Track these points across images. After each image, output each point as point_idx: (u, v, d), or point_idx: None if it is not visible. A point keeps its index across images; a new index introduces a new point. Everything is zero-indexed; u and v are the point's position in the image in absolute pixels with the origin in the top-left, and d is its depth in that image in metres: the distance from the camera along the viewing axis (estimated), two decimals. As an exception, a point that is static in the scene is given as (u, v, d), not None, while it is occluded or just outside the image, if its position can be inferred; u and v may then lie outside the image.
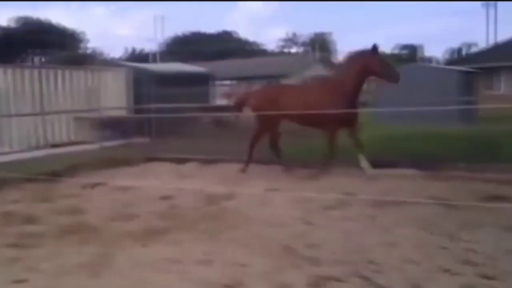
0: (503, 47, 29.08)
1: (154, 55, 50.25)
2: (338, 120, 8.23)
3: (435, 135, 11.10)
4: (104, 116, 14.08)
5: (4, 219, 6.12)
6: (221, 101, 24.63)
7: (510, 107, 7.97)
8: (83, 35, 68.42)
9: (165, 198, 7.12)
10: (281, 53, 67.27)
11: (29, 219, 6.07)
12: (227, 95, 25.76)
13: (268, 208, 6.42)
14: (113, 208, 6.60)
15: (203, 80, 19.91)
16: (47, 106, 14.25)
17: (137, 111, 15.44)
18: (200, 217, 5.98)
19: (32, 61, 61.81)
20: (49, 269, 4.39)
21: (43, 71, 14.63)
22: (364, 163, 8.20)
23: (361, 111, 7.94)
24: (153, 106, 14.12)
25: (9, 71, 13.56)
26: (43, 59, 62.48)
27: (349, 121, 8.35)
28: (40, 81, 14.24)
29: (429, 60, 63.52)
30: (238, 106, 9.44)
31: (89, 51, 67.28)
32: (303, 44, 72.33)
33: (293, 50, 72.83)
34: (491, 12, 44.04)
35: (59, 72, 15.04)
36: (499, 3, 42.74)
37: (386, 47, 75.08)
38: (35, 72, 14.30)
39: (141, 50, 67.40)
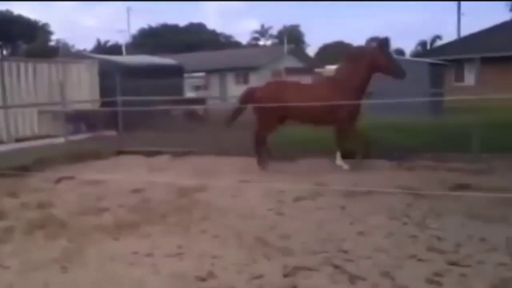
0: (470, 39, 29.68)
1: (122, 47, 49.48)
2: (349, 116, 8.17)
3: (404, 126, 11.29)
4: (71, 110, 13.82)
5: (-31, 215, 5.97)
6: (192, 94, 24.51)
7: (476, 99, 8.15)
8: (48, 26, 66.88)
9: (135, 191, 7.04)
10: (252, 46, 67.21)
11: (-4, 215, 5.93)
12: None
13: (240, 200, 6.42)
14: (82, 202, 6.50)
15: (173, 72, 19.73)
16: (10, 100, 13.91)
17: (105, 104, 15.20)
18: (172, 210, 5.95)
19: (-5, 53, 60.15)
20: (17, 265, 4.30)
21: (6, 64, 14.26)
22: (339, 160, 8.25)
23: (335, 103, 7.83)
24: (120, 99, 13.92)
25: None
26: (5, 52, 60.82)
27: (355, 117, 8.32)
28: (2, 74, 13.87)
29: (401, 52, 64.43)
30: (242, 103, 9.01)
31: (54, 43, 65.80)
32: (274, 36, 72.38)
33: (264, 42, 72.84)
34: (470, 4, 44.71)
35: (23, 64, 14.68)
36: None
37: (357, 40, 75.98)
38: (-3, 64, 13.93)
39: (109, 42, 66.33)
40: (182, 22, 72.69)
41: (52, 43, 65.73)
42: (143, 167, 9.09)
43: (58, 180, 7.96)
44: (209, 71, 33.89)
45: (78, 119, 14.19)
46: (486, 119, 9.35)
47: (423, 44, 67.05)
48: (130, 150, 10.66)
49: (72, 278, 4.02)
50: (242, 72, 38.60)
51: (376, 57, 8.08)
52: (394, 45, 71.53)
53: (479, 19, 79.31)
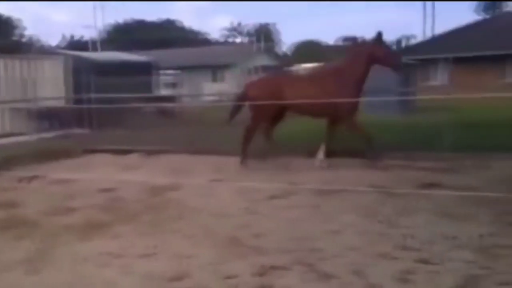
0: (440, 39, 30.25)
1: (94, 43, 48.69)
2: (355, 108, 8.20)
3: (376, 125, 11.41)
4: (41, 107, 13.54)
5: None
6: (166, 91, 24.29)
7: (448, 98, 8.30)
8: (19, 22, 65.29)
9: (106, 190, 6.95)
10: (225, 43, 66.99)
11: (-39, 215, 5.77)
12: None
13: (213, 198, 6.40)
14: (52, 201, 6.38)
15: (145, 69, 19.53)
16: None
17: (76, 101, 14.94)
18: (144, 209, 5.89)
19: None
20: (-17, 267, 4.19)
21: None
22: (321, 154, 8.28)
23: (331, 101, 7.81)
24: (93, 96, 13.72)
25: None
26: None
27: (354, 111, 8.32)
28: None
29: None
30: (239, 99, 8.89)
31: (25, 39, 64.25)
32: (248, 34, 72.29)
33: (238, 40, 72.70)
34: (429, 6, 45.61)
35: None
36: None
37: (329, 38, 76.51)
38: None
39: (80, 38, 65.14)
40: (155, 18, 71.69)
41: (24, 39, 64.17)
42: (115, 165, 8.97)
43: (27, 179, 7.79)
44: (183, 68, 33.64)
45: (50, 117, 13.91)
46: (457, 118, 9.54)
47: (391, 43, 68.03)
48: (102, 148, 10.50)
49: (41, 279, 3.94)
50: (216, 69, 38.46)
51: (375, 49, 8.12)
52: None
53: (451, 19, 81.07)
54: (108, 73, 15.55)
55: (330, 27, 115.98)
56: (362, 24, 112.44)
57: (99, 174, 7.95)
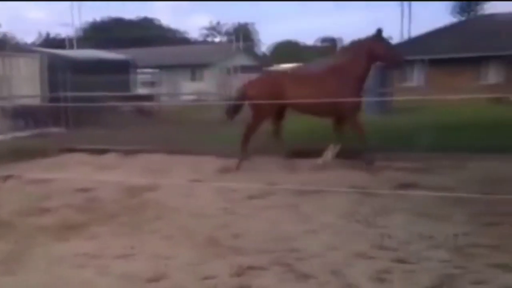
0: (416, 41, 30.65)
1: (71, 40, 47.97)
2: (357, 107, 8.17)
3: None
4: (16, 105, 13.31)
5: None
6: (144, 90, 24.11)
7: (424, 99, 8.41)
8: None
9: (83, 190, 6.86)
10: (204, 42, 66.77)
11: None
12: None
13: (192, 199, 6.37)
14: (27, 202, 6.27)
15: (123, 67, 19.35)
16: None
17: (53, 99, 14.73)
18: (121, 210, 5.84)
19: None
20: (-44, 269, 4.10)
21: None
22: (329, 155, 8.19)
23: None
24: (69, 94, 13.54)
25: None
26: None
27: (357, 110, 8.29)
28: None
29: None
30: (239, 98, 8.68)
31: (0, 36, 62.92)
32: (227, 33, 72.16)
33: (217, 39, 72.51)
34: (406, 7, 46.16)
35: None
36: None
37: (307, 39, 76.89)
38: None
39: (57, 35, 64.14)
40: (133, 16, 70.81)
41: (-3, 36, 62.79)
42: (92, 165, 8.86)
43: (2, 179, 7.64)
44: (161, 67, 33.41)
45: (25, 115, 13.68)
46: (433, 119, 9.68)
47: None
48: (79, 147, 10.36)
49: (17, 281, 3.88)
50: (194, 69, 38.32)
51: (376, 46, 8.10)
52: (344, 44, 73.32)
53: (427, 21, 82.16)
54: (84, 71, 15.37)
55: (308, 28, 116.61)
56: (339, 24, 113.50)
57: (75, 174, 7.84)
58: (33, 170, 8.32)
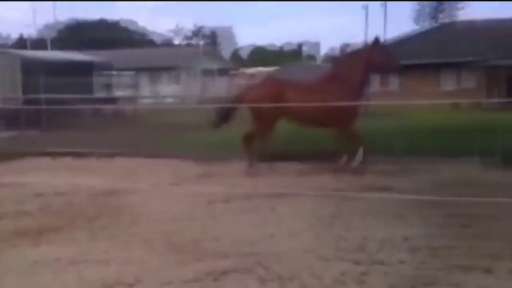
0: (393, 46, 31.06)
1: (43, 42, 47.08)
2: (355, 115, 8.19)
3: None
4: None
5: None
6: (111, 92, 23.80)
7: (399, 104, 8.55)
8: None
9: (58, 194, 6.79)
10: (175, 45, 66.34)
11: None
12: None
13: (169, 203, 6.35)
14: (1, 206, 6.19)
15: (88, 69, 19.07)
16: None
17: (26, 101, 14.47)
18: (98, 214, 5.80)
19: None
20: None
21: None
22: (359, 157, 8.12)
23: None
24: (43, 96, 13.34)
25: None
26: None
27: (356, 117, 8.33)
28: None
29: (314, 58, 66.59)
30: (237, 102, 8.58)
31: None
32: (198, 36, 71.90)
33: (189, 42, 72.10)
34: (377, 12, 46.76)
35: None
36: (386, 5, 45.41)
37: (277, 42, 77.35)
38: None
39: (24, 36, 62.86)
40: (98, 17, 69.83)
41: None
42: (67, 169, 8.77)
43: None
44: (130, 70, 33.07)
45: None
46: (406, 123, 9.85)
47: (337, 49, 69.77)
48: (54, 150, 10.22)
49: (-10, 287, 3.83)
50: (165, 71, 38.01)
51: (374, 54, 8.17)
52: (315, 50, 74.24)
53: (393, 27, 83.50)
54: (53, 72, 15.14)
55: (279, 32, 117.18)
56: (310, 29, 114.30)
57: (50, 178, 7.75)
58: (7, 173, 8.20)
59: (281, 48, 74.29)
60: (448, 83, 26.74)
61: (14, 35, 67.24)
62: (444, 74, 27.05)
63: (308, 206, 6.01)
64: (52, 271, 4.11)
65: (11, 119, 13.56)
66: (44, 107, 12.11)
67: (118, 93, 23.09)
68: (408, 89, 23.67)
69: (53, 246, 4.74)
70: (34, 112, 13.21)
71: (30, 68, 15.78)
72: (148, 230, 5.18)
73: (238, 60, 60.78)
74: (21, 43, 57.47)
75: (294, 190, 6.54)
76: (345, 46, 67.80)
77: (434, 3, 54.25)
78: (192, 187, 6.99)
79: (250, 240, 4.81)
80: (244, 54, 70.58)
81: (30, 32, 62.11)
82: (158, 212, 5.91)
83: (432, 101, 9.99)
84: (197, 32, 72.76)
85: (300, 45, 73.89)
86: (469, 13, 53.28)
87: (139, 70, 33.41)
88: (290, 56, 64.55)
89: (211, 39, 51.73)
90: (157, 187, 7.09)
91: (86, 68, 18.71)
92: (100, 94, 19.60)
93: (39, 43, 45.96)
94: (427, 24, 47.43)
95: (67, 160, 9.53)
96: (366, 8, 44.12)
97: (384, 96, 22.71)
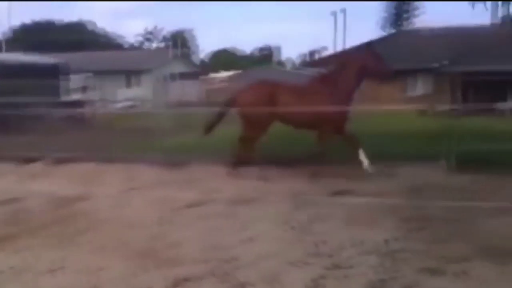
0: (349, 53, 31.65)
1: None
2: (348, 118, 8.18)
3: (289, 134, 11.65)
4: None
5: None
6: (75, 96, 23.33)
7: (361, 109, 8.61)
8: None
9: (10, 201, 6.54)
10: (140, 48, 65.67)
11: None
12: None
13: (126, 208, 6.22)
14: None
15: (53, 72, 18.64)
16: None
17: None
18: (50, 221, 5.61)
19: None
20: None
21: None
22: (364, 160, 8.10)
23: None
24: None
25: None
26: None
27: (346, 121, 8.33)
28: None
29: (285, 63, 67.23)
30: (228, 105, 8.43)
31: None
32: (164, 39, 71.38)
33: (153, 45, 71.49)
34: (340, 19, 47.61)
35: None
36: (349, 12, 46.43)
37: (245, 47, 77.73)
38: None
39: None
40: (66, 19, 68.45)
41: None
42: (19, 174, 8.46)
43: None
44: (95, 73, 32.48)
45: None
46: (369, 128, 9.97)
47: (305, 55, 70.75)
48: (4, 155, 9.84)
49: None
50: (130, 75, 37.57)
51: (368, 59, 8.23)
52: (284, 55, 75.03)
53: (360, 34, 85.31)
54: (11, 75, 14.67)
55: (245, 36, 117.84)
56: (277, 33, 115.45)
57: (1, 184, 7.46)
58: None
59: (253, 52, 74.71)
60: (414, 88, 27.41)
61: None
62: (410, 79, 27.68)
63: (271, 211, 5.99)
64: (4, 281, 3.95)
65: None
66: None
67: (75, 96, 22.60)
68: (371, 94, 24.10)
69: (3, 254, 4.57)
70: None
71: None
72: (106, 237, 5.05)
73: (201, 64, 60.71)
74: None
75: (258, 195, 6.51)
76: (314, 52, 68.97)
77: (399, 10, 55.56)
78: (152, 192, 6.86)
79: (211, 246, 4.75)
80: (214, 57, 70.45)
81: (-17, 33, 59.84)
82: (116, 218, 5.77)
83: (382, 107, 10.23)
84: (157, 35, 72.25)
85: (271, 50, 74.41)
86: (426, 20, 54.78)
87: (98, 73, 32.88)
88: (257, 60, 65.05)
89: (172, 41, 51.32)
90: (114, 193, 6.91)
91: (51, 71, 18.26)
92: (68, 97, 19.22)
93: (7, 45, 44.51)
94: (393, 31, 48.49)
95: (19, 165, 9.18)
96: (335, 15, 44.89)
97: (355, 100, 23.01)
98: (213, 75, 46.31)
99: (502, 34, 26.10)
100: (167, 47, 51.88)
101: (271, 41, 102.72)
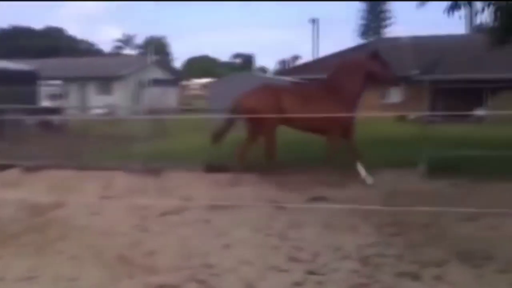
0: (326, 60, 31.95)
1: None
2: (353, 124, 8.15)
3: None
4: None
5: None
6: (48, 103, 22.96)
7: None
8: None
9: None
10: (115, 54, 65.05)
11: None
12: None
13: (101, 217, 6.12)
14: None
15: (27, 79, 18.34)
16: None
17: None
18: (24, 230, 5.48)
19: None
20: None
21: None
22: (361, 171, 8.07)
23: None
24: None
25: None
26: None
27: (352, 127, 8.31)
28: None
29: (263, 70, 67.47)
30: (233, 110, 8.30)
31: None
32: (139, 46, 70.89)
33: (128, 51, 70.93)
34: (315, 27, 47.89)
35: None
36: (321, 20, 46.85)
37: (221, 54, 77.77)
38: None
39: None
40: (38, 25, 67.54)
41: None
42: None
43: None
44: (68, 79, 32.01)
45: None
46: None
47: (281, 62, 71.18)
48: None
49: None
50: (105, 81, 37.14)
51: (373, 65, 8.21)
52: (259, 63, 75.33)
53: (336, 42, 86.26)
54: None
55: (220, 44, 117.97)
56: (251, 41, 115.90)
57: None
58: None
59: (230, 60, 74.80)
60: (391, 95, 27.73)
61: None
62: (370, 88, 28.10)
63: (248, 217, 5.97)
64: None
65: None
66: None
67: (50, 103, 22.25)
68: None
69: (-27, 265, 4.42)
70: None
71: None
72: (81, 245, 4.96)
73: (176, 71, 60.41)
74: None
75: (235, 201, 6.48)
76: (291, 59, 69.41)
77: (375, 19, 56.31)
78: (128, 200, 6.77)
79: (187, 254, 4.71)
80: (191, 64, 70.18)
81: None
82: (91, 226, 5.67)
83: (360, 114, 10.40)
84: (130, 41, 71.69)
85: (248, 57, 74.54)
86: (399, 30, 55.88)
87: (73, 79, 32.46)
88: (234, 67, 65.14)
89: (147, 48, 50.87)
90: (88, 200, 6.80)
91: (25, 77, 17.98)
92: (42, 104, 18.92)
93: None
94: (371, 39, 49.12)
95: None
96: (312, 22, 45.24)
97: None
98: (189, 81, 46.16)
99: (475, 43, 26.73)
100: (142, 53, 51.52)
101: (246, 49, 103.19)
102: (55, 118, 16.32)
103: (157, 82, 36.19)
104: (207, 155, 8.81)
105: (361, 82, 8.31)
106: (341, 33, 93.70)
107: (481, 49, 14.20)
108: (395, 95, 27.50)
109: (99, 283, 3.99)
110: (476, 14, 11.08)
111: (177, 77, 44.81)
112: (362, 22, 57.38)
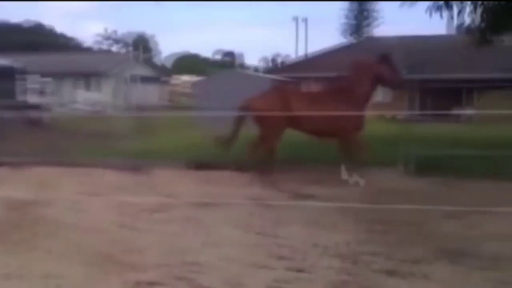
0: (313, 59, 32.08)
1: None
2: (356, 127, 8.15)
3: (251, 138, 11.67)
4: None
5: None
6: (32, 98, 22.66)
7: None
8: None
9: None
10: (100, 51, 64.48)
11: None
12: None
13: (86, 214, 6.08)
14: None
15: (7, 74, 18.06)
16: None
17: None
18: (8, 227, 5.41)
19: None
20: None
21: None
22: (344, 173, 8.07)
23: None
24: None
25: None
26: None
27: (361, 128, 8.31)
28: None
29: (246, 67, 67.48)
30: (242, 110, 8.30)
31: None
32: (124, 42, 70.29)
33: (114, 48, 70.28)
34: (302, 26, 48.00)
35: None
36: (308, 19, 46.92)
37: (206, 52, 77.56)
38: None
39: None
40: (20, 20, 66.40)
41: None
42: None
43: None
44: (53, 75, 31.65)
45: None
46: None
47: (266, 60, 71.29)
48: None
49: None
50: (89, 77, 36.81)
51: (382, 68, 8.21)
52: (246, 61, 75.34)
53: (322, 40, 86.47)
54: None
55: (205, 41, 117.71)
56: (239, 39, 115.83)
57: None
58: None
59: (215, 57, 74.60)
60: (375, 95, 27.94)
61: None
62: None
63: (234, 215, 5.98)
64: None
65: None
66: None
67: (32, 99, 21.95)
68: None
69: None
70: None
71: None
72: (65, 243, 4.92)
73: (161, 67, 60.13)
74: None
75: (220, 199, 6.48)
76: (276, 57, 69.50)
77: (360, 18, 56.44)
78: (112, 197, 6.73)
79: (172, 251, 4.70)
80: (176, 61, 69.81)
81: None
82: (75, 223, 5.62)
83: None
84: (115, 37, 71.04)
85: (233, 55, 74.48)
86: (384, 29, 56.19)
87: (56, 75, 32.07)
88: (219, 65, 65.00)
89: (133, 45, 50.61)
90: (73, 198, 6.74)
91: (6, 73, 17.71)
92: (25, 100, 18.66)
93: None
94: (353, 38, 49.30)
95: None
96: (296, 21, 45.29)
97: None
98: (175, 79, 45.94)
99: (457, 43, 27.02)
100: (128, 50, 51.15)
101: (230, 46, 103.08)
102: (35, 114, 16.13)
103: (142, 79, 36.00)
104: (193, 153, 8.79)
105: (370, 84, 8.33)
106: (324, 32, 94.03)
107: (468, 49, 14.36)
108: (382, 95, 27.69)
109: (83, 281, 3.96)
110: (458, 14, 11.17)
111: (162, 74, 44.58)
112: (346, 21, 57.53)
